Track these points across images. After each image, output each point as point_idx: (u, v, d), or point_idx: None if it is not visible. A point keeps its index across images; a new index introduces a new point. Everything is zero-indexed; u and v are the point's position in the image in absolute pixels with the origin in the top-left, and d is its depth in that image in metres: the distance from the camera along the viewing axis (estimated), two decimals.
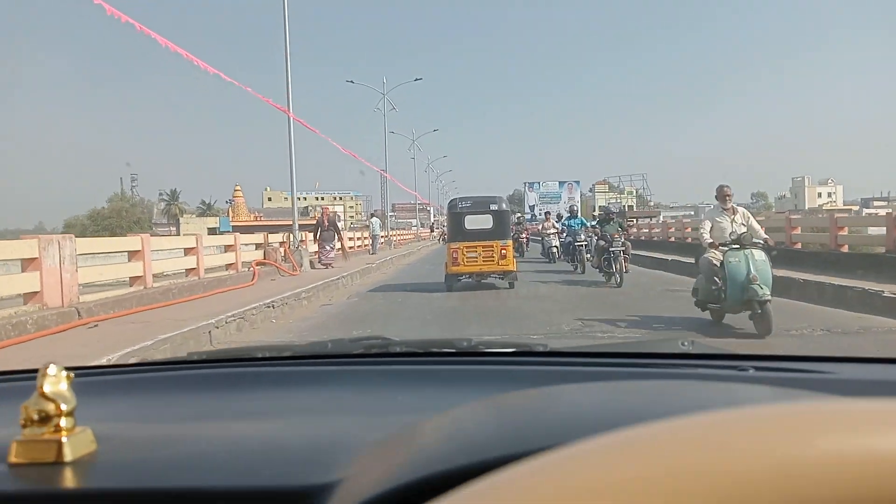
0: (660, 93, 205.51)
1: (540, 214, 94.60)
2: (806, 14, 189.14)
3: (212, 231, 61.67)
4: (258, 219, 72.62)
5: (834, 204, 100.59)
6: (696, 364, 1.33)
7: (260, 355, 1.59)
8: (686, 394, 0.93)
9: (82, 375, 1.19)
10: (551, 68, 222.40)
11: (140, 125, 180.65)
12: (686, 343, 1.48)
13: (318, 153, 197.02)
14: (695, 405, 0.80)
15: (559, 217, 23.35)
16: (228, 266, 12.71)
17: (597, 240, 12.83)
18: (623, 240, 12.34)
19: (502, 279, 12.28)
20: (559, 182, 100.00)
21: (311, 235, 17.58)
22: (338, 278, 13.49)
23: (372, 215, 30.23)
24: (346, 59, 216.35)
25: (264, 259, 13.97)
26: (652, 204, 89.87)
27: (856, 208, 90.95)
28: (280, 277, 13.57)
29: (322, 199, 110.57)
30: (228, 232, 56.66)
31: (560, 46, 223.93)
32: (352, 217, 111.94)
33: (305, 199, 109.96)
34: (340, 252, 18.71)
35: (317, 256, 16.94)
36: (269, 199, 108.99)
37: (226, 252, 13.18)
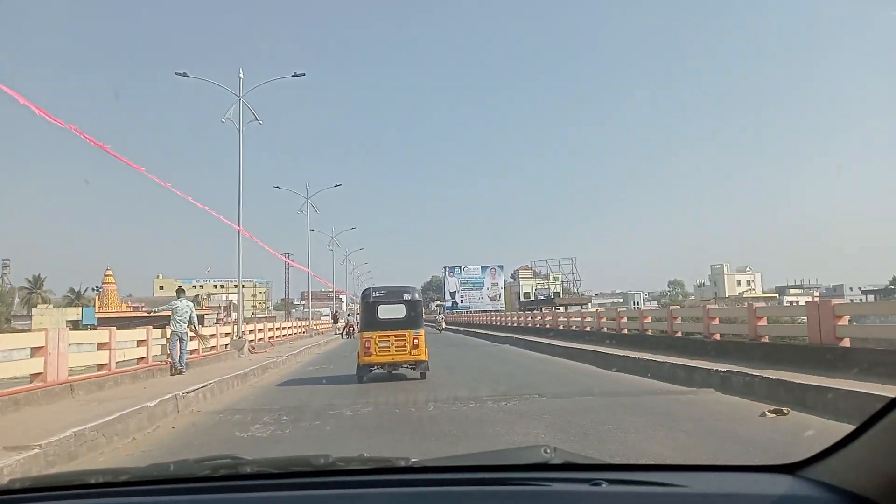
0: (580, 175, 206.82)
1: (462, 301, 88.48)
2: (728, 94, 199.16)
3: (73, 325, 48.62)
4: (133, 308, 59.29)
5: (753, 292, 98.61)
6: (554, 478, 1.30)
7: (93, 481, 1.43)
8: None
9: None
10: (467, 146, 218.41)
11: (17, 206, 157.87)
12: (548, 451, 1.42)
13: (211, 237, 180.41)
14: None
15: None
16: None
17: None
18: None
19: (414, 369, 12.14)
20: (482, 267, 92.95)
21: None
22: None
23: (178, 291, 15.02)
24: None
25: None
26: (580, 291, 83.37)
27: (775, 296, 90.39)
28: None
29: (222, 286, 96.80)
30: (92, 326, 44.02)
31: (473, 122, 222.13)
32: (254, 307, 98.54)
33: (202, 286, 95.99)
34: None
35: None
36: (161, 288, 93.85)
37: None
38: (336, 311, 51.17)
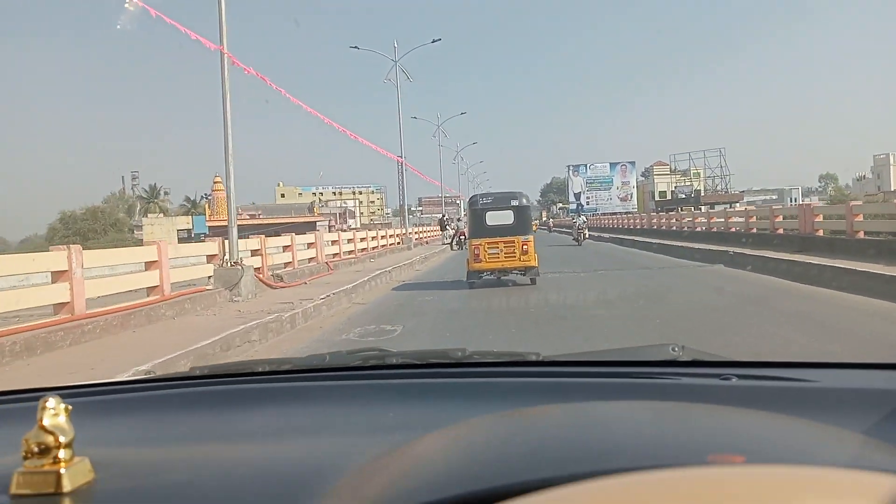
0: (724, 55, 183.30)
1: (589, 203, 79.40)
2: None
3: (184, 235, 45.29)
4: (250, 216, 55.00)
5: None
6: (683, 373, 1.31)
7: (260, 369, 1.54)
8: (667, 417, 0.95)
9: (83, 395, 1.32)
10: (592, 28, 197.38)
11: (147, 119, 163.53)
12: (676, 349, 1.42)
13: (331, 145, 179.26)
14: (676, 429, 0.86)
15: None
16: None
17: None
18: None
19: (524, 275, 11.91)
20: (610, 164, 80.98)
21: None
22: None
23: None
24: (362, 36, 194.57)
25: None
26: (728, 187, 70.46)
27: None
28: None
29: (340, 193, 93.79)
30: (205, 235, 39.69)
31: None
32: (373, 213, 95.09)
33: (322, 193, 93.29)
34: None
35: None
36: (283, 196, 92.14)
37: None
38: (444, 217, 40.44)
